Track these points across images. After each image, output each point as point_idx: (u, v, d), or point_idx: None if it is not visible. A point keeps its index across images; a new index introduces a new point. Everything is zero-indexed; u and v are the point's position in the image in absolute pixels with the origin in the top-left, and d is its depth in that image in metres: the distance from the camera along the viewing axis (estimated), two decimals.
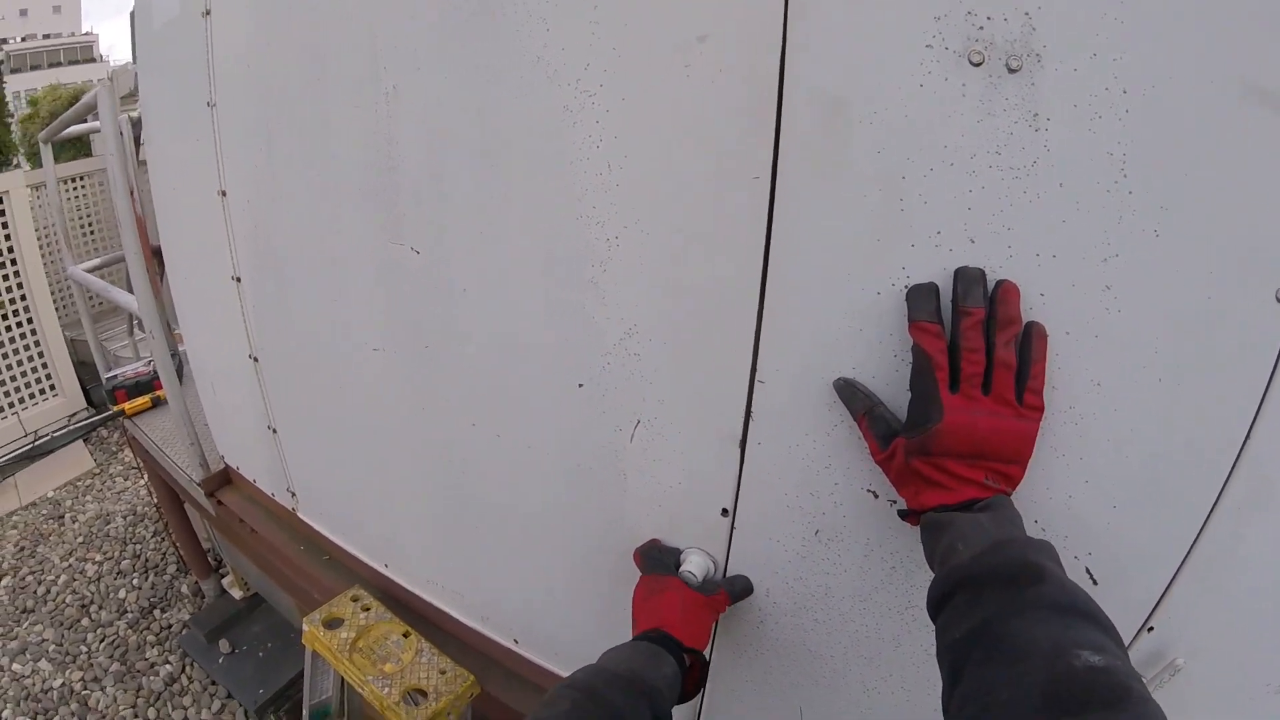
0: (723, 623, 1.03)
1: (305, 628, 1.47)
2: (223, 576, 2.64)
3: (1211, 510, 0.75)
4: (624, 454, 0.99)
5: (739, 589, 0.96)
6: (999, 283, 0.69)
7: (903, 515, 0.77)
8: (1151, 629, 0.83)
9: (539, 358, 1.02)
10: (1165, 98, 0.62)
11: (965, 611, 0.61)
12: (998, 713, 0.52)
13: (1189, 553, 0.78)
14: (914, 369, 0.72)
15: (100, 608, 2.82)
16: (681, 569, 0.96)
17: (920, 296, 0.71)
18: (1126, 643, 0.84)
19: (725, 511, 0.95)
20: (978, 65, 0.65)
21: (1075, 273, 0.69)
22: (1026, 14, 0.63)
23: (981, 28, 0.64)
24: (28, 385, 3.88)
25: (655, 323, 0.90)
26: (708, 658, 1.06)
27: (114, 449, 3.88)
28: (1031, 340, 0.69)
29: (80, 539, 3.21)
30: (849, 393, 0.78)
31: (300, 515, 1.68)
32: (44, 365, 3.93)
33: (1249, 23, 0.59)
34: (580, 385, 0.99)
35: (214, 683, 2.43)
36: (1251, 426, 0.71)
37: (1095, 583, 0.80)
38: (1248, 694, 0.86)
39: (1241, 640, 0.83)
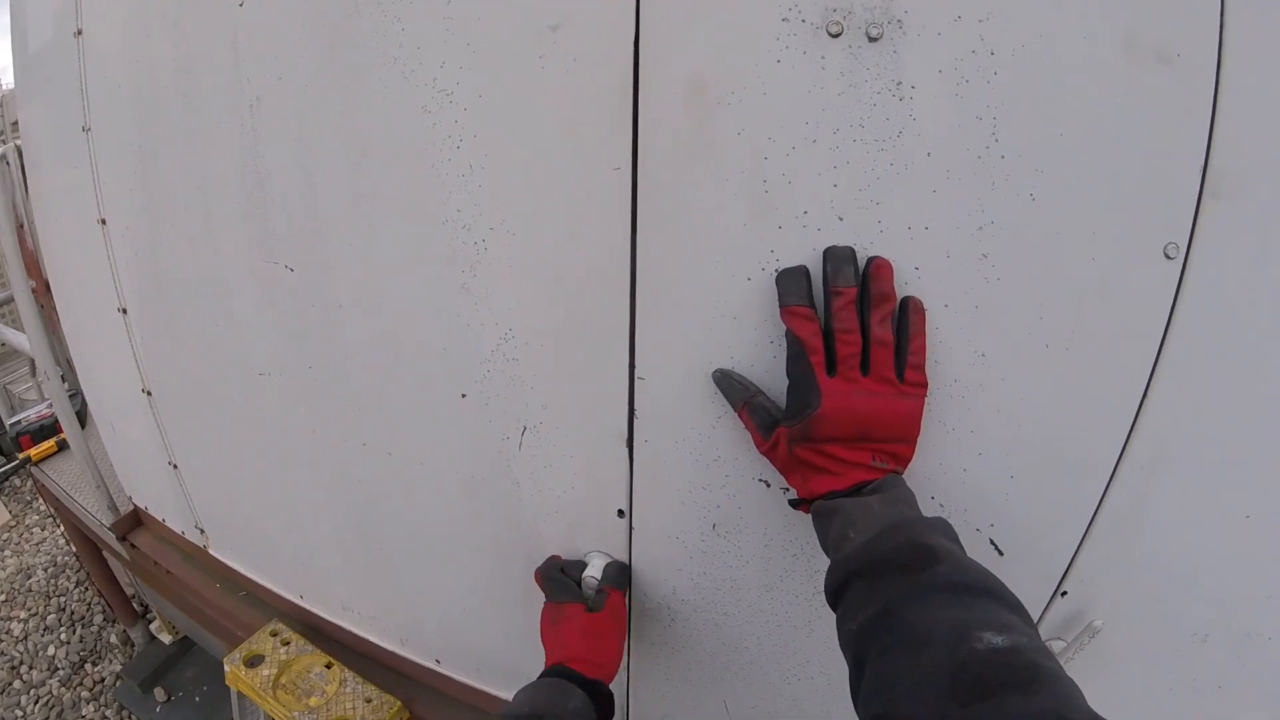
0: (635, 625, 1.01)
1: (226, 668, 1.42)
2: (150, 622, 2.51)
3: (1114, 472, 0.75)
4: (514, 462, 0.96)
5: (613, 574, 0.93)
6: (870, 259, 0.68)
7: (794, 504, 0.75)
8: (1065, 593, 0.83)
9: (419, 370, 0.98)
10: (1036, 56, 0.61)
11: (862, 601, 0.60)
12: (903, 705, 0.51)
13: (1094, 515, 0.78)
14: (789, 355, 0.70)
15: (30, 667, 2.66)
16: (585, 573, 0.93)
17: (789, 281, 0.70)
18: (1040, 609, 0.84)
19: (621, 513, 0.92)
20: (836, 36, 0.64)
21: (950, 243, 0.68)
22: None
23: None
24: None
25: (530, 325, 0.87)
26: (626, 667, 1.04)
27: (28, 498, 3.66)
28: (908, 316, 0.68)
29: (2, 597, 3.02)
30: (727, 384, 0.76)
31: (211, 552, 1.60)
32: None
33: None
34: (463, 395, 0.95)
35: None
36: (1148, 385, 0.71)
37: (1001, 554, 0.80)
38: (1173, 646, 0.87)
39: (1159, 595, 0.84)
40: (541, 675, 0.83)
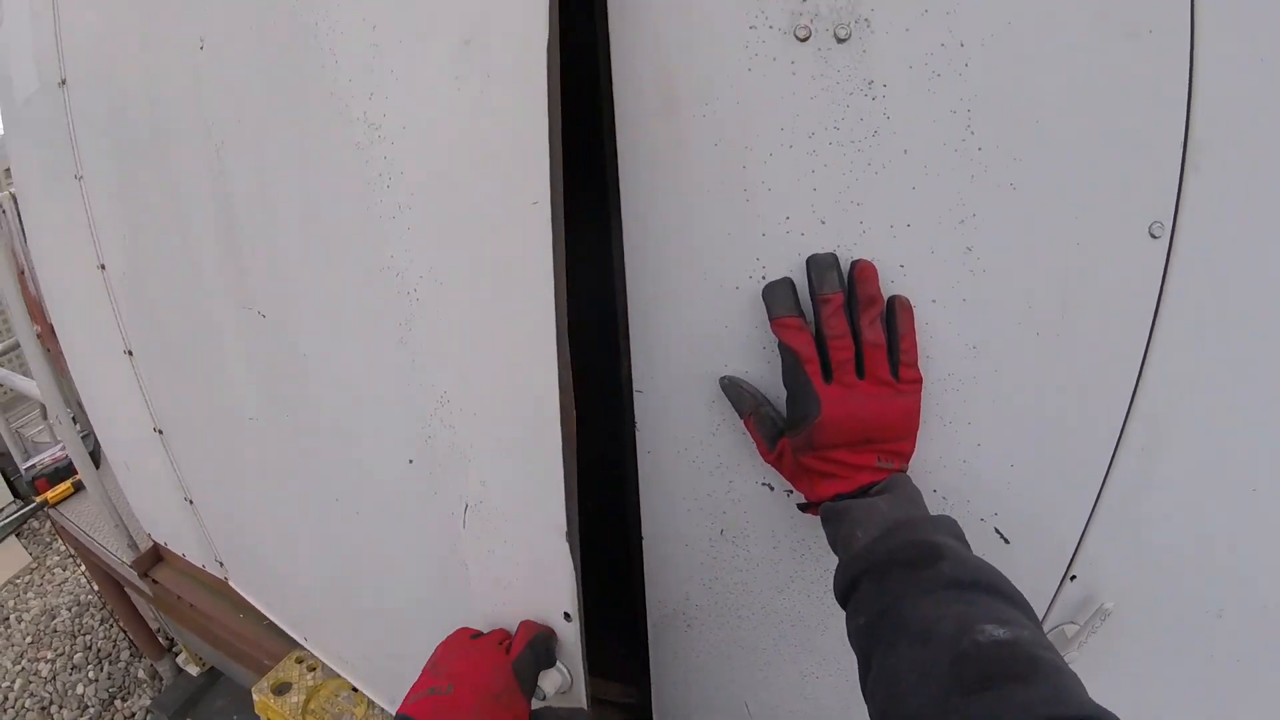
0: (652, 632, 1.02)
1: (255, 698, 1.43)
2: (176, 655, 2.53)
3: (1114, 453, 0.75)
4: (460, 541, 0.89)
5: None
6: (854, 263, 0.68)
7: (802, 508, 0.76)
8: (1074, 577, 0.82)
9: (374, 429, 0.93)
10: (1007, 44, 0.61)
11: (869, 598, 0.61)
12: (908, 699, 0.52)
13: (1098, 498, 0.77)
14: (784, 366, 0.70)
15: (61, 707, 2.68)
16: (542, 682, 0.84)
17: (775, 294, 0.70)
18: (1050, 594, 0.84)
19: (568, 616, 0.83)
20: (805, 40, 0.64)
21: (933, 239, 0.68)
22: None
23: (805, 0, 0.62)
24: None
25: (464, 390, 0.80)
26: (646, 674, 1.04)
27: (48, 539, 3.69)
28: (896, 314, 0.69)
29: (29, 639, 3.05)
30: (735, 392, 0.77)
31: (232, 584, 1.61)
32: None
33: None
34: (410, 461, 0.90)
35: None
36: (1142, 365, 0.70)
37: (1007, 542, 0.80)
38: (1188, 623, 0.86)
39: (1170, 574, 0.82)
40: None
